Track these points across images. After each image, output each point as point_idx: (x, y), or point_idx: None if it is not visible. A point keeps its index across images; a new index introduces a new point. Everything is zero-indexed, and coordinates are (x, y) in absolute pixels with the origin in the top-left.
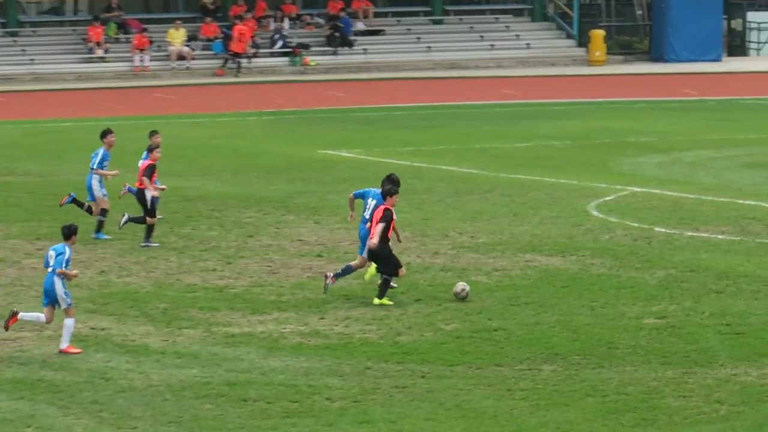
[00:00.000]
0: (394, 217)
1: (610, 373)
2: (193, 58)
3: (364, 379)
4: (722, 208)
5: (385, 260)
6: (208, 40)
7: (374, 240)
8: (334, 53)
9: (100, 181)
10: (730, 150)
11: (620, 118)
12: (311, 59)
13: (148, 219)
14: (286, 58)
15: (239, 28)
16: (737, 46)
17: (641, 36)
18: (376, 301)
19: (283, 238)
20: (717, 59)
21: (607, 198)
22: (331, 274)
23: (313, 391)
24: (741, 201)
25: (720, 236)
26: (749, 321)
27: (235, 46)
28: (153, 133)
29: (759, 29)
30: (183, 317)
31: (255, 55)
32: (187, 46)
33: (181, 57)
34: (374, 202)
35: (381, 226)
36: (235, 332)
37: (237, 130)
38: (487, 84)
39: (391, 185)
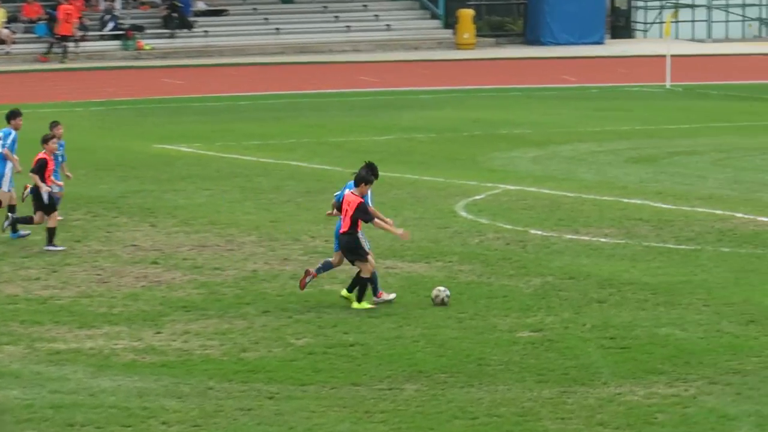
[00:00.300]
0: (369, 206)
1: (480, 393)
2: (14, 42)
3: (205, 400)
4: (605, 207)
5: (355, 250)
6: (31, 21)
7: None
8: (172, 36)
9: (12, 170)
10: (614, 143)
11: (492, 107)
12: (146, 43)
13: (50, 221)
14: (117, 42)
15: (65, 8)
16: (621, 27)
17: (515, 16)
18: (355, 305)
19: (114, 243)
20: (599, 42)
21: (477, 197)
22: (312, 270)
23: (148, 414)
24: (626, 200)
25: (603, 239)
26: (635, 334)
27: (60, 29)
28: (54, 123)
29: (646, 8)
30: (2, 332)
31: (83, 39)
32: (7, 28)
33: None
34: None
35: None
36: (61, 348)
37: (63, 123)
38: (342, 70)
39: (367, 171)
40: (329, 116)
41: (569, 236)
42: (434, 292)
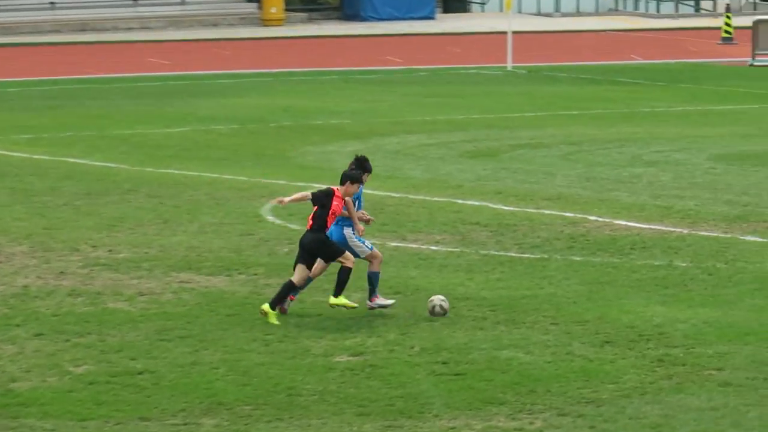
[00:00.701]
0: (341, 206)
1: (291, 428)
2: None
3: None
4: (436, 210)
5: (326, 246)
6: None
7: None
8: None
9: None
10: (447, 135)
11: (304, 94)
12: None
13: None
14: None
15: None
16: (455, 0)
17: None
18: (332, 300)
19: None
20: (429, 17)
21: (287, 199)
22: (369, 302)
23: None
24: (461, 201)
25: (434, 247)
26: (471, 358)
27: None
28: None
29: None
30: None
31: None
32: None
33: None
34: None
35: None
36: None
37: None
38: (129, 50)
39: (356, 168)
40: (113, 105)
41: (394, 244)
42: (432, 305)
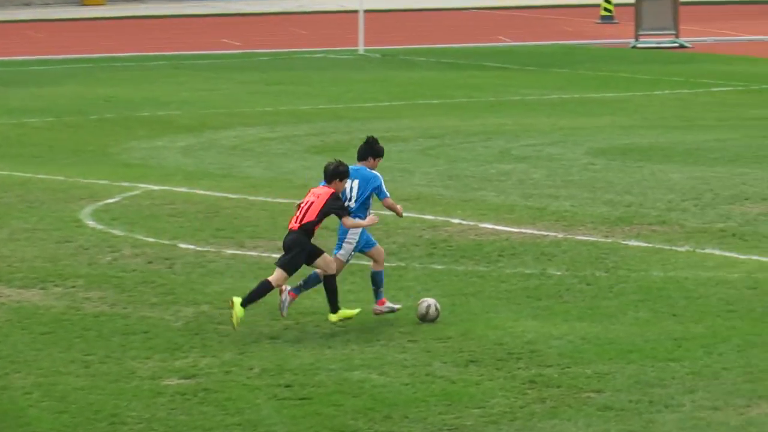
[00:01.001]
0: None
1: None
2: None
3: None
4: (279, 213)
5: (304, 249)
6: None
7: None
8: None
9: None
10: (291, 127)
11: (128, 82)
12: None
13: None
14: None
15: None
16: None
17: None
18: (332, 317)
19: None
20: None
21: (110, 201)
22: (288, 287)
23: None
24: None
25: (276, 255)
26: (319, 380)
27: None
28: None
29: None
30: None
31: None
32: None
33: None
34: (356, 182)
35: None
36: None
37: None
38: None
39: (365, 148)
40: None
41: (231, 251)
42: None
